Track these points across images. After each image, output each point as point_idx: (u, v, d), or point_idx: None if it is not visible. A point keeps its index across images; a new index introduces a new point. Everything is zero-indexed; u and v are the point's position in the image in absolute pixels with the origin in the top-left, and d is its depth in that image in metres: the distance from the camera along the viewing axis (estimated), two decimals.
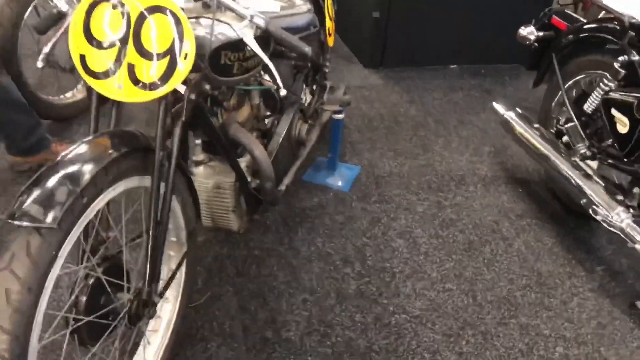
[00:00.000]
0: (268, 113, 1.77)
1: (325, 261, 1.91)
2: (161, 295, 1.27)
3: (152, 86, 1.15)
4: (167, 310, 1.51)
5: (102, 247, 1.19)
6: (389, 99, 3.06)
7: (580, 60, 2.02)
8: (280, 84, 1.39)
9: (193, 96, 1.21)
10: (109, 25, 1.14)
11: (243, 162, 1.65)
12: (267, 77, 1.67)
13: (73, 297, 1.13)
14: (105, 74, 1.15)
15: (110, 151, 1.09)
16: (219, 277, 1.82)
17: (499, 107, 2.31)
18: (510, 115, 2.25)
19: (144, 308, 1.22)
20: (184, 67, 1.14)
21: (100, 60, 1.15)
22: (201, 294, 1.74)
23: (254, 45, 1.24)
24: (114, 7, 1.13)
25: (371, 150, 2.56)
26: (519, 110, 2.26)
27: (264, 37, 1.33)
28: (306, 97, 2.14)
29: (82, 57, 1.15)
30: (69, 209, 0.97)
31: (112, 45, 1.13)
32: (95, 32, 1.14)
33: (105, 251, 1.21)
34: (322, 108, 2.17)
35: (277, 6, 1.40)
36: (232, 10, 1.21)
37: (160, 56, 1.14)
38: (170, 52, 1.14)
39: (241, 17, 1.22)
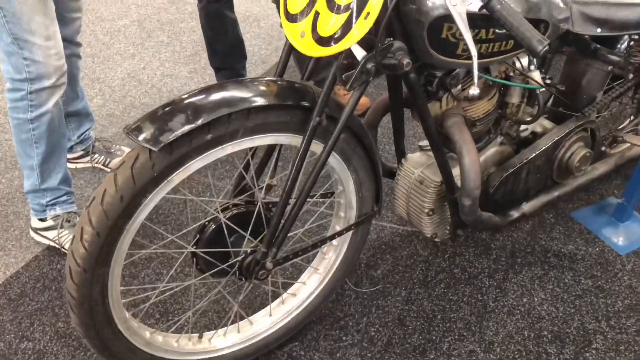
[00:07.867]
0: (527, 119, 1.39)
1: (528, 323, 1.48)
2: (278, 263, 1.19)
3: (324, 41, 1.00)
4: (314, 280, 1.42)
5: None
6: None
7: None
8: (538, 82, 1.22)
9: (371, 66, 1.00)
10: None
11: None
12: (535, 74, 1.29)
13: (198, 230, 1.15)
14: (296, 18, 1.05)
15: (257, 99, 1.01)
16: (401, 276, 1.61)
17: None
18: None
19: (255, 266, 1.16)
20: (360, 27, 0.95)
21: (296, 1, 1.06)
22: (373, 283, 1.58)
23: (459, 21, 0.94)
24: None
25: None
26: None
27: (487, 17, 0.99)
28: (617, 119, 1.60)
29: None
30: (184, 140, 0.96)
31: None
32: None
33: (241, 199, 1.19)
34: (623, 138, 1.59)
35: None
36: None
37: (342, 9, 0.97)
38: (350, 6, 0.96)
39: None
